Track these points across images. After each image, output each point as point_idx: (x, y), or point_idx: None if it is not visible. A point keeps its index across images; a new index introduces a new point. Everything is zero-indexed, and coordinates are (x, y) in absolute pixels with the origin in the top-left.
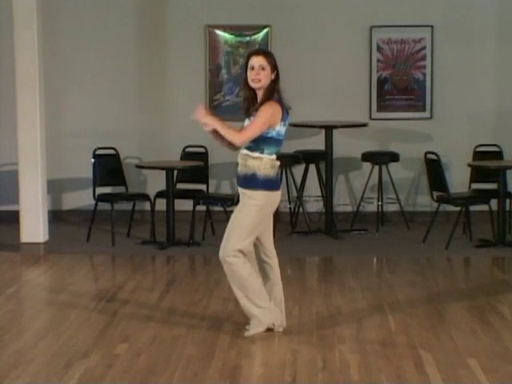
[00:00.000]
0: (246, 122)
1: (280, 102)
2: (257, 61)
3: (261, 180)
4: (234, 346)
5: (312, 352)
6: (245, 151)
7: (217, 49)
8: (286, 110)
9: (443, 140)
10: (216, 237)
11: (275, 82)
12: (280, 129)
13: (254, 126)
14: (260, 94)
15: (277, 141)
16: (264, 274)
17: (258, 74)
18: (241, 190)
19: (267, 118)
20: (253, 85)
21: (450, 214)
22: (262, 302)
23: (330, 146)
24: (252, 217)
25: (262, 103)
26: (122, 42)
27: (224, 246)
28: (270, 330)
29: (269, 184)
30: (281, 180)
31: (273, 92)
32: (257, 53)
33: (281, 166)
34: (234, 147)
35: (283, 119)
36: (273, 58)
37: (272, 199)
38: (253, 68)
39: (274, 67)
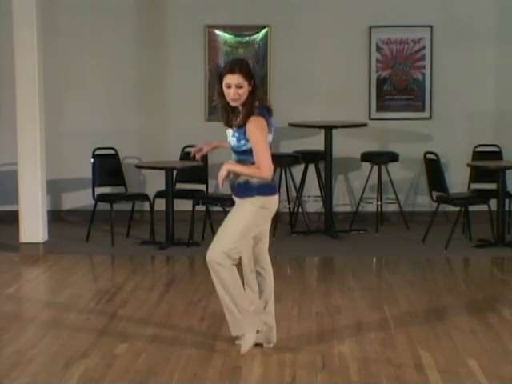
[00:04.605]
0: (230, 132)
1: (261, 112)
2: (232, 79)
3: (255, 186)
4: (233, 346)
5: (311, 352)
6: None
7: (216, 49)
8: (269, 118)
9: (443, 140)
10: None
11: (253, 92)
12: (268, 137)
13: (262, 152)
14: (239, 107)
15: None
16: (258, 287)
17: (236, 94)
18: (236, 199)
19: (264, 136)
20: (232, 103)
21: (450, 214)
22: (248, 305)
23: (330, 146)
24: (246, 217)
25: (245, 118)
26: (121, 42)
27: (212, 247)
28: (259, 345)
29: (264, 189)
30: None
31: (253, 104)
32: (231, 71)
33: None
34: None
35: (269, 129)
36: (248, 69)
37: (270, 203)
38: (229, 86)
39: (251, 79)
